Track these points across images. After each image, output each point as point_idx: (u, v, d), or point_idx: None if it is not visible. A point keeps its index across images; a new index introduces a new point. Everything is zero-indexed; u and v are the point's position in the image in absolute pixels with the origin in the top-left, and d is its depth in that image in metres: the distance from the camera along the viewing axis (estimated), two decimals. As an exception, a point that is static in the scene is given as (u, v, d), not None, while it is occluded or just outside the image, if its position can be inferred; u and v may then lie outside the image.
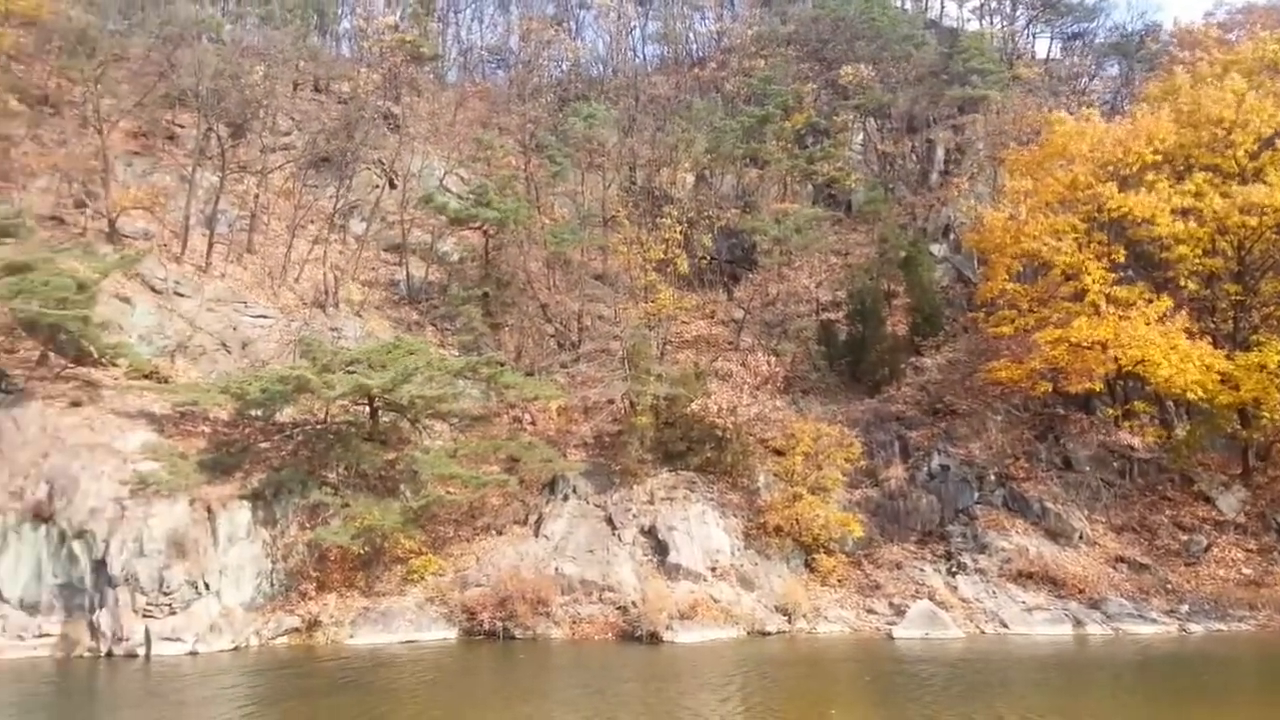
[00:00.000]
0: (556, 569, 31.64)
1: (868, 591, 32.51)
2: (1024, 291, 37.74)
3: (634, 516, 33.84)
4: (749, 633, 30.32)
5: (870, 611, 31.69)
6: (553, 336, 43.61)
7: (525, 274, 44.56)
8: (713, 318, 45.21)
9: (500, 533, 33.42)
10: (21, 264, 32.36)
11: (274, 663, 26.84)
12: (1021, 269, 38.75)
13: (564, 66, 68.50)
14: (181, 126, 48.98)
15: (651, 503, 34.26)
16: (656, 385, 35.74)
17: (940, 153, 54.06)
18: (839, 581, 32.83)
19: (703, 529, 33.23)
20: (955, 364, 40.43)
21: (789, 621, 30.96)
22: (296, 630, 29.39)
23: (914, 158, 54.89)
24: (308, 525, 31.07)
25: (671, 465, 35.84)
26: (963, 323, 42.38)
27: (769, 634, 30.33)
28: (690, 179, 54.08)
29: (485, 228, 44.75)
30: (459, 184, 51.06)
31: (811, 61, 61.86)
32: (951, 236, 48.29)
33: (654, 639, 29.07)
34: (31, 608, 27.71)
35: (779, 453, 36.01)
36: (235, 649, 28.14)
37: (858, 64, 56.00)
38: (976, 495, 35.35)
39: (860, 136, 56.30)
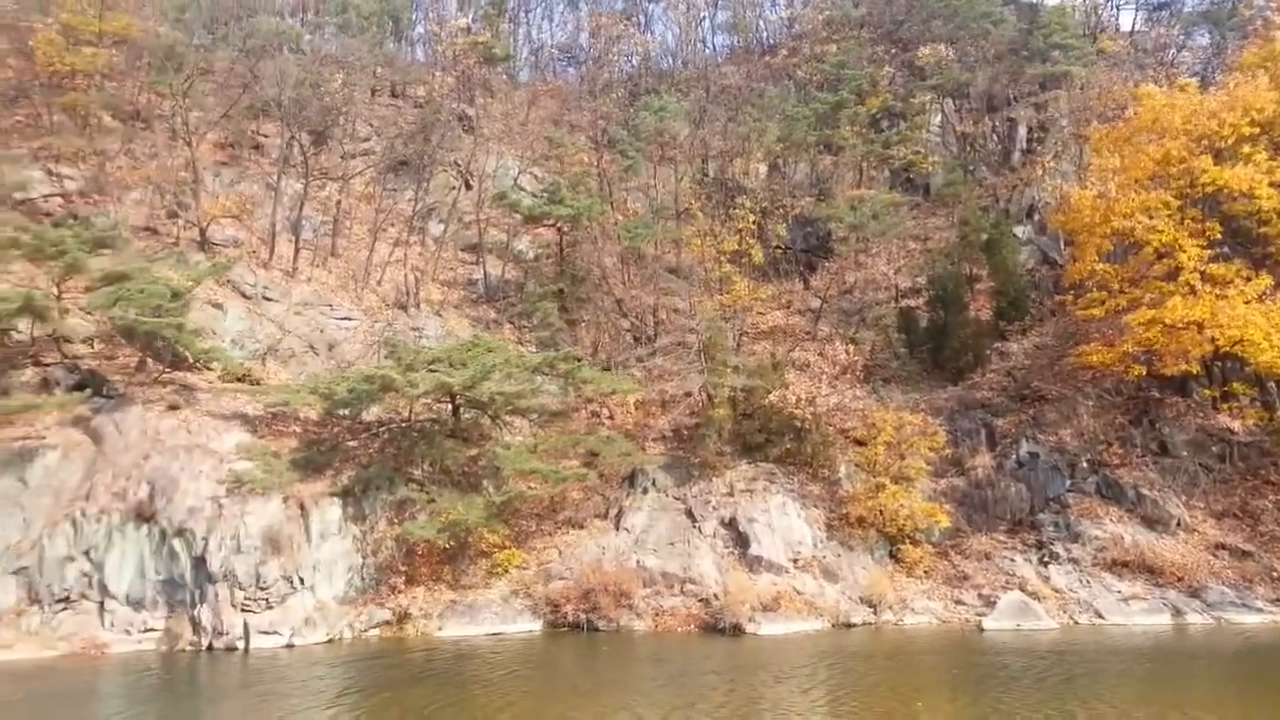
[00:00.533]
0: (638, 562, 31.78)
1: (956, 582, 31.86)
2: (1114, 272, 36.44)
3: (714, 509, 33.78)
4: (833, 625, 30.00)
5: (959, 603, 31.06)
6: (628, 331, 43.75)
7: (600, 269, 44.80)
8: (789, 308, 44.79)
9: (581, 526, 33.70)
10: (119, 274, 33.83)
11: (366, 654, 27.58)
12: (1111, 248, 37.38)
13: (634, 61, 68.74)
14: (266, 136, 50.55)
15: (731, 495, 34.15)
16: (733, 377, 35.58)
17: (1022, 132, 52.52)
18: (925, 573, 32.24)
19: (784, 520, 32.99)
20: (1043, 349, 39.28)
21: (874, 613, 30.54)
22: (387, 623, 30.14)
23: (994, 138, 53.44)
24: (395, 520, 31.81)
25: (750, 457, 35.64)
26: (1049, 306, 41.12)
27: (854, 626, 29.97)
28: (763, 168, 53.65)
29: (559, 225, 45.14)
30: (533, 182, 51.62)
31: (885, 44, 60.79)
32: (1036, 218, 46.91)
33: (737, 631, 29.00)
34: (137, 603, 28.98)
35: (860, 443, 35.53)
36: (330, 641, 28.98)
37: (935, 44, 54.77)
38: (1068, 483, 34.31)
39: (938, 118, 55.05)
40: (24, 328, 34.71)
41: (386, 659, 27.03)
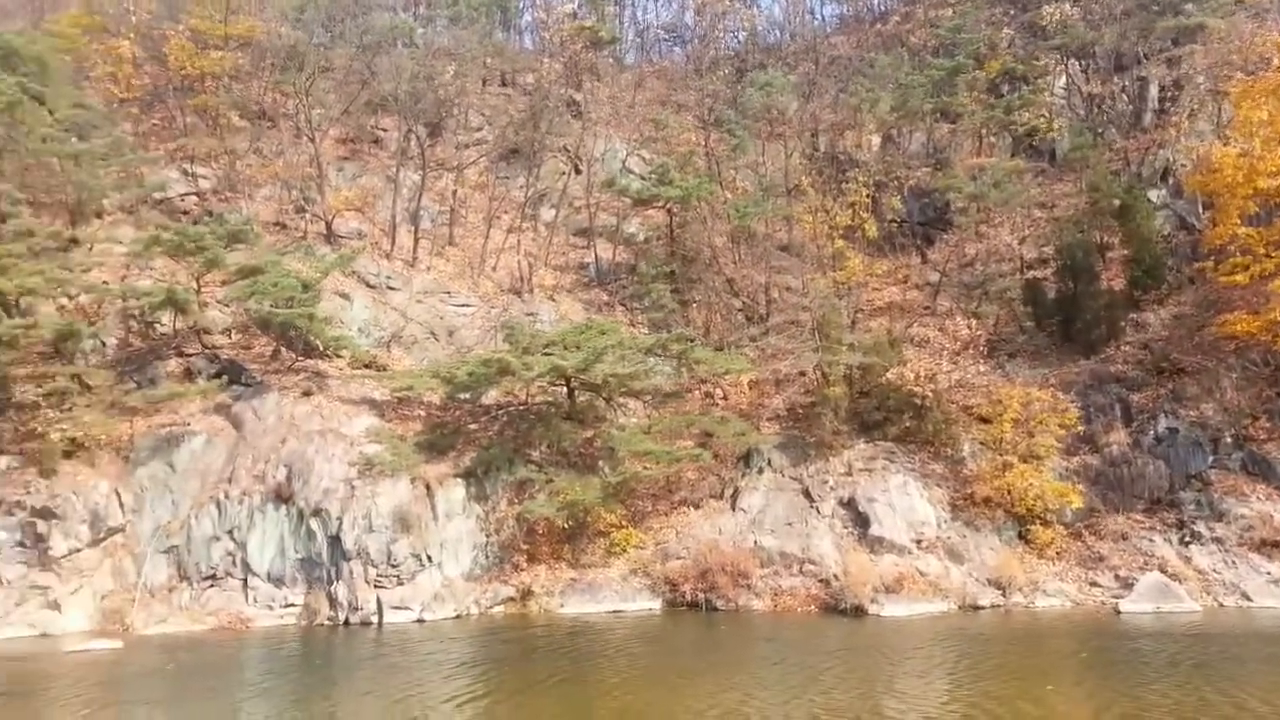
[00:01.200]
0: (755, 542, 31.67)
1: (1090, 564, 30.62)
2: (1259, 235, 34.11)
3: (832, 489, 33.34)
4: (959, 607, 29.25)
5: (1093, 585, 29.84)
6: (740, 310, 43.48)
7: (710, 249, 44.61)
8: (906, 282, 43.64)
9: (697, 506, 33.78)
10: (253, 268, 35.52)
11: (492, 629, 28.40)
12: (1256, 210, 35.03)
13: (740, 37, 67.86)
14: (384, 130, 52.15)
15: (849, 474, 33.63)
16: (849, 355, 34.96)
17: (1154, 91, 49.57)
18: (1057, 554, 31.08)
19: (905, 500, 32.30)
20: (1181, 319, 37.14)
21: (1003, 595, 29.63)
22: (511, 599, 30.93)
23: (1124, 98, 50.65)
24: (515, 500, 32.56)
25: (868, 436, 35.00)
26: (1188, 273, 38.79)
27: (981, 608, 29.16)
28: (876, 140, 52.30)
29: (668, 206, 45.13)
30: (641, 165, 51.71)
31: (1004, 4, 58.30)
32: (1171, 180, 44.30)
33: (858, 612, 28.60)
34: (278, 580, 30.53)
35: (985, 420, 34.41)
36: (458, 617, 29.93)
37: (1058, 2, 52.21)
38: (1210, 459, 32.45)
39: (1062, 80, 52.49)
40: (167, 320, 36.91)
41: (511, 634, 27.77)
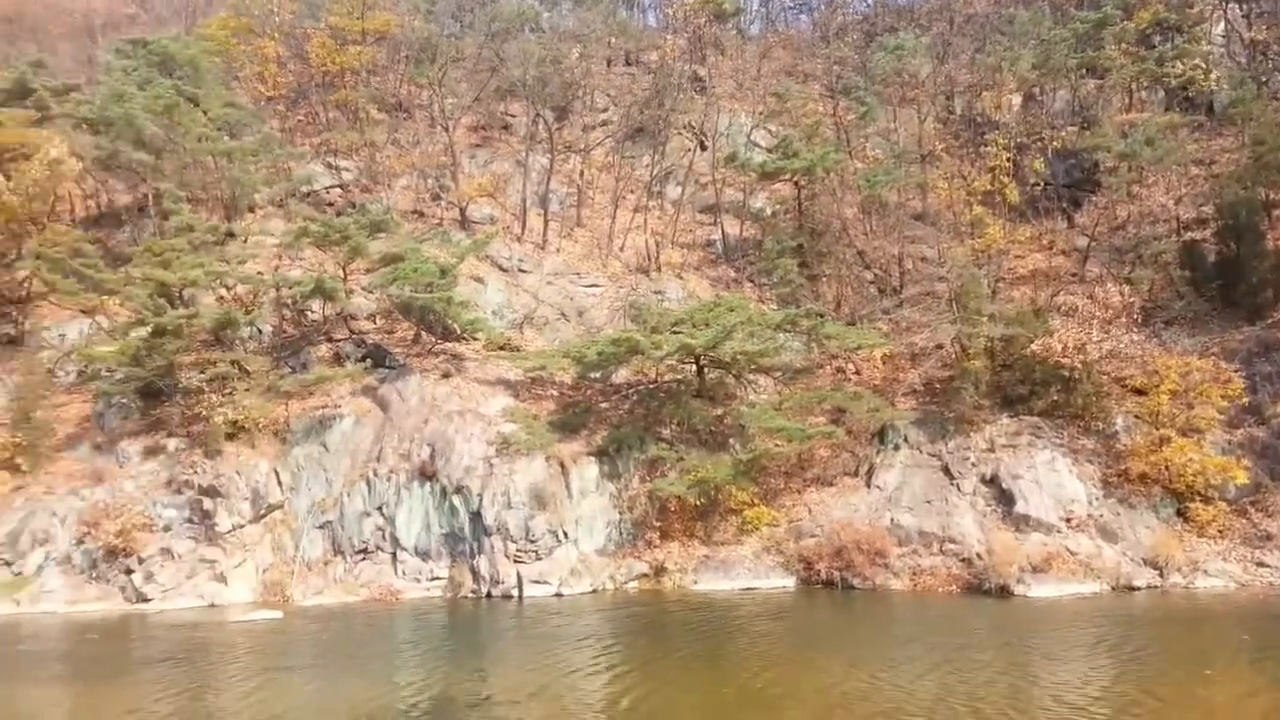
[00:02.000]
0: (892, 520, 30.98)
1: (1256, 543, 28.60)
2: None
3: (973, 465, 32.23)
4: (1112, 587, 27.86)
5: (1260, 565, 27.87)
6: (872, 283, 42.38)
7: (840, 221, 43.60)
8: (1051, 249, 41.55)
9: (830, 484, 33.27)
10: (394, 255, 36.93)
11: (627, 604, 28.84)
12: None
13: (869, 1, 65.82)
14: (513, 116, 53.18)
15: (992, 450, 32.41)
16: (990, 326, 33.61)
17: (1328, 31, 45.46)
18: (1220, 532, 29.17)
19: (1052, 477, 30.91)
20: (1361, 278, 34.09)
21: (1160, 576, 28.04)
22: (645, 575, 31.32)
23: (1293, 41, 46.59)
24: (647, 478, 32.86)
25: (1012, 410, 33.62)
26: (1368, 229, 35.56)
27: (1136, 589, 27.69)
28: (1016, 100, 49.83)
29: (795, 179, 44.32)
30: (767, 137, 50.97)
31: (1155, -52, 54.37)
32: (1349, 129, 40.48)
33: (1003, 593, 27.63)
34: (424, 554, 31.81)
35: (1139, 392, 32.54)
36: (594, 592, 30.52)
37: (1216, -59, 48.41)
38: (1396, 431, 29.76)
39: (1220, 27, 48.75)
40: (317, 307, 38.82)
41: (646, 609, 28.12)
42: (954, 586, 28.82)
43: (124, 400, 35.90)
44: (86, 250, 38.12)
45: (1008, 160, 41.71)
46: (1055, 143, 44.21)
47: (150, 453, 34.23)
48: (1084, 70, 46.95)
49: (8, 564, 31.19)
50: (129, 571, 30.70)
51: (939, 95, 49.74)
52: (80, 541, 31.39)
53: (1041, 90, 49.08)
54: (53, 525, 31.81)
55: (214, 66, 48.08)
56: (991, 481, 31.47)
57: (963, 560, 29.47)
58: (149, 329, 34.47)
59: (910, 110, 47.82)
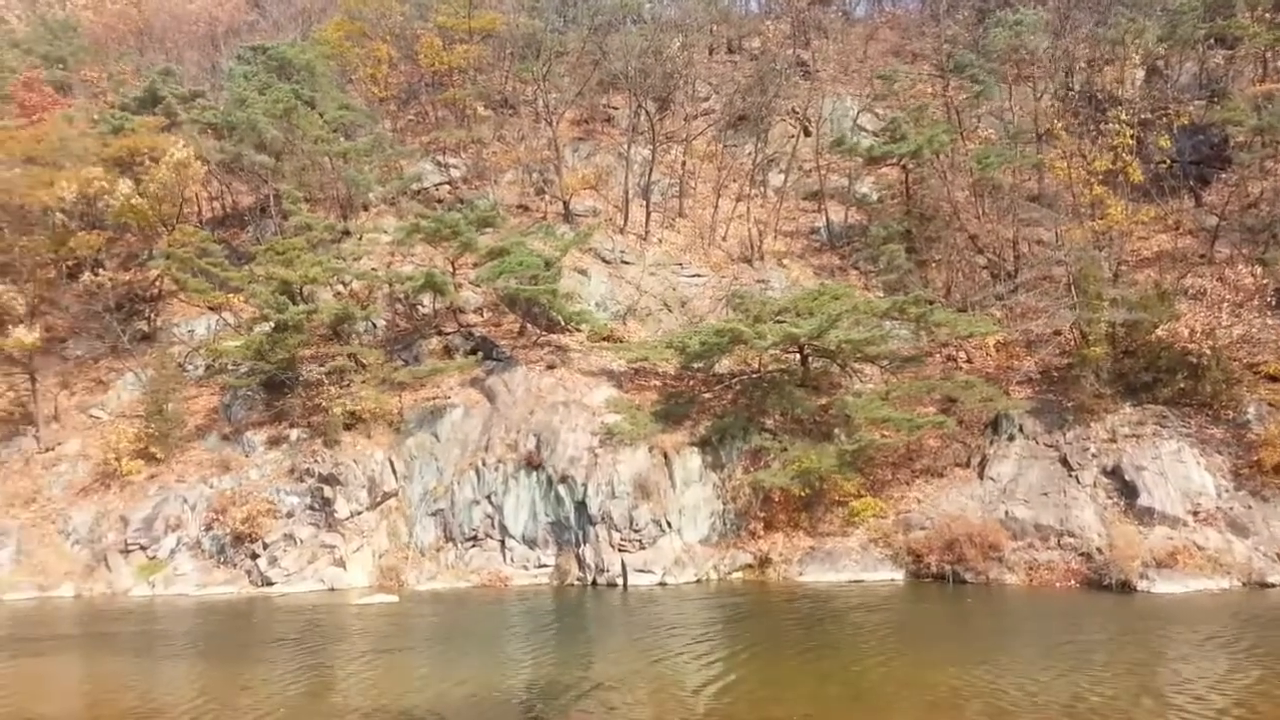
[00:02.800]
0: (1006, 512, 30.00)
1: None
2: None
3: (1093, 456, 30.90)
4: (1244, 584, 26.34)
5: None
6: (985, 268, 41.00)
7: (950, 205, 42.31)
8: (1177, 229, 39.42)
9: (940, 475, 32.42)
10: (500, 249, 37.67)
11: (732, 594, 28.76)
12: None
13: (981, -24, 63.44)
14: (615, 108, 53.48)
15: (1113, 441, 31.02)
16: (1111, 311, 32.12)
17: None
18: (1365, 529, 27.24)
19: (1178, 468, 29.40)
20: None
21: (1299, 573, 26.41)
22: (749, 566, 31.18)
23: None
24: (751, 468, 32.65)
25: (1135, 399, 32.08)
26: None
27: (1270, 586, 26.10)
28: (1139, 74, 47.40)
29: (903, 162, 43.20)
30: (873, 121, 49.92)
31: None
32: None
33: (1125, 588, 26.46)
34: (531, 542, 32.44)
35: (1274, 379, 30.63)
36: (697, 582, 30.58)
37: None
38: None
39: (1369, -15, 45.19)
40: (428, 302, 39.92)
41: (750, 600, 28.01)
42: (1072, 581, 27.76)
43: (249, 392, 37.77)
44: (213, 250, 40.19)
45: (1130, 137, 39.70)
46: (1181, 118, 41.87)
47: (273, 442, 35.90)
48: (1213, 40, 44.33)
49: (143, 548, 33.23)
50: (254, 556, 32.29)
51: (1056, 71, 47.68)
52: (209, 527, 33.19)
53: (1167, 63, 46.57)
54: (184, 512, 33.73)
55: (329, 70, 49.92)
56: (1113, 473, 30.14)
57: (1082, 554, 28.34)
58: (272, 325, 36.15)
59: (1025, 88, 46.02)
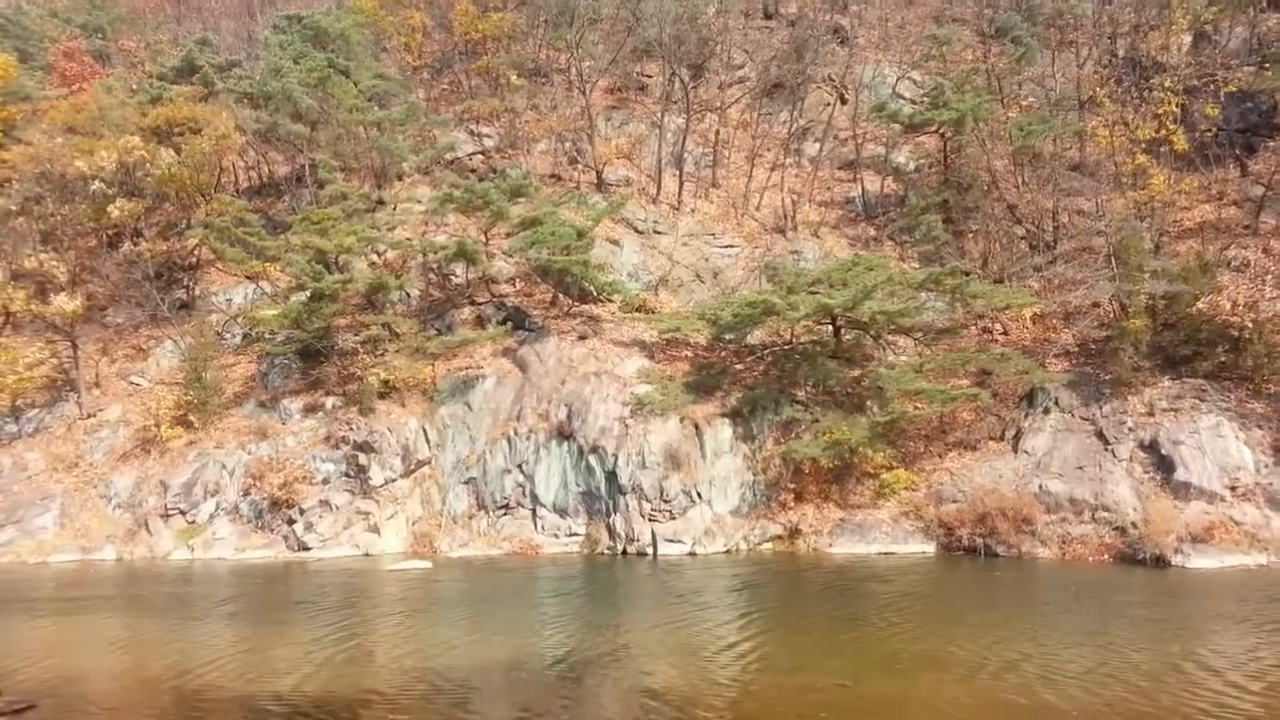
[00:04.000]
0: (1040, 486, 29.74)
1: None
2: None
3: (1130, 430, 30.50)
4: (1281, 560, 26.02)
5: None
6: (1023, 239, 40.37)
7: (989, 174, 41.63)
8: (1221, 199, 38.49)
9: (974, 448, 32.18)
10: (532, 219, 37.68)
11: (761, 565, 28.83)
12: None
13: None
14: (649, 76, 53.04)
15: (1151, 414, 30.58)
16: (1152, 283, 31.55)
17: None
18: None
19: (1217, 443, 28.93)
20: None
21: (1338, 551, 25.96)
22: (779, 537, 31.23)
23: None
24: (782, 440, 32.60)
25: (1174, 372, 31.56)
26: None
27: (1310, 564, 25.76)
28: (1186, 40, 46.10)
29: (942, 130, 42.53)
30: (912, 88, 49.17)
31: None
32: None
33: (1159, 563, 26.21)
34: (562, 511, 32.71)
35: (1319, 353, 29.98)
36: (727, 552, 30.70)
37: None
38: None
39: None
40: (460, 271, 40.10)
41: (780, 570, 28.07)
42: (1106, 556, 27.54)
43: (286, 361, 38.27)
44: (249, 219, 40.60)
45: (1175, 105, 38.75)
46: (1229, 86, 40.76)
47: (309, 410, 36.39)
48: (1265, 3, 43.01)
49: (183, 513, 33.94)
50: (291, 522, 32.86)
51: (1101, 36, 46.56)
52: (247, 493, 33.80)
53: (1215, 28, 45.26)
54: (222, 477, 34.37)
55: (364, 39, 49.96)
56: (1150, 447, 29.74)
57: (1116, 529, 28.08)
58: (308, 294, 36.53)
59: (1068, 54, 45.01)
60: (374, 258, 40.44)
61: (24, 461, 36.72)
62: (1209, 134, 39.98)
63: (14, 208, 40.58)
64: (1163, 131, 37.14)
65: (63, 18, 57.58)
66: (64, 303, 38.00)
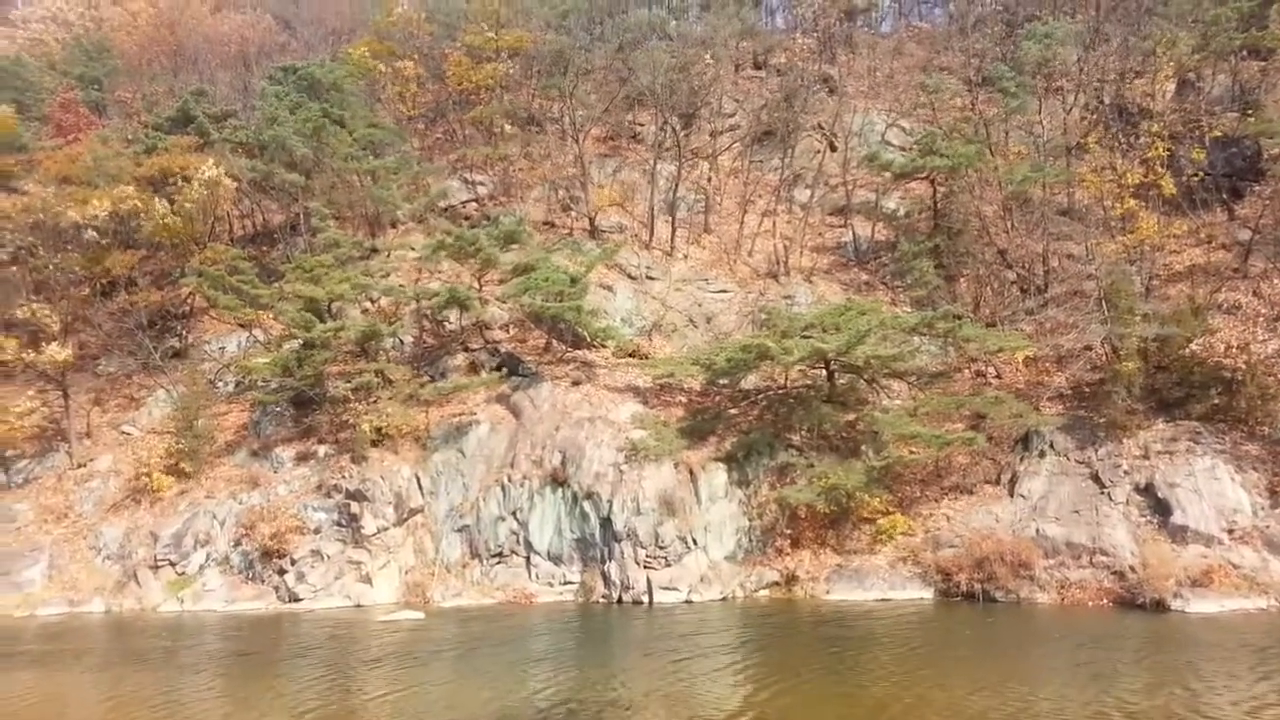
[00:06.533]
0: (1037, 530, 29.55)
1: None
2: None
3: (1125, 473, 30.40)
4: (1281, 604, 25.79)
5: None
6: (1014, 283, 40.57)
7: (979, 220, 41.95)
8: (1210, 243, 38.81)
9: (970, 492, 32.02)
10: (526, 265, 37.80)
11: (759, 613, 28.49)
12: None
13: (1009, -12, 63.09)
14: (640, 125, 53.64)
15: (1146, 457, 30.50)
16: (1143, 326, 31.67)
17: None
18: None
19: (1213, 485, 28.83)
20: None
21: (1339, 595, 25.75)
22: (776, 584, 30.90)
23: None
24: (777, 485, 32.41)
25: (1168, 415, 31.55)
26: None
27: (1310, 607, 25.53)
28: (1171, 87, 46.80)
29: (933, 177, 42.95)
30: (901, 135, 49.72)
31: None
32: None
33: (1159, 607, 25.96)
34: (556, 558, 32.36)
35: (1312, 395, 29.99)
36: (724, 599, 30.34)
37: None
38: None
39: None
40: (454, 318, 40.09)
41: (778, 618, 27.73)
42: (1105, 600, 27.30)
43: (278, 409, 38.08)
44: (243, 267, 40.63)
45: (1163, 150, 39.24)
46: (1214, 130, 41.32)
47: (302, 458, 36.13)
48: (1246, 52, 43.77)
49: (173, 564, 33.53)
50: (282, 572, 32.46)
51: (1088, 84, 47.26)
52: (238, 543, 33.42)
53: (1199, 75, 45.97)
54: (213, 527, 34.00)
55: (358, 89, 50.48)
56: (1146, 490, 29.63)
57: (1114, 573, 27.86)
58: (300, 342, 36.44)
59: (1055, 101, 45.61)
60: (367, 305, 40.45)
61: (12, 513, 36.30)
62: (1196, 179, 40.47)
63: (5, 257, 40.59)
64: (1150, 176, 37.55)
65: (60, 69, 58.12)
66: (56, 352, 37.85)
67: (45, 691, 21.83)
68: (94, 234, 40.19)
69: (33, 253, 40.32)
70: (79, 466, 37.97)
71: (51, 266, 40.33)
